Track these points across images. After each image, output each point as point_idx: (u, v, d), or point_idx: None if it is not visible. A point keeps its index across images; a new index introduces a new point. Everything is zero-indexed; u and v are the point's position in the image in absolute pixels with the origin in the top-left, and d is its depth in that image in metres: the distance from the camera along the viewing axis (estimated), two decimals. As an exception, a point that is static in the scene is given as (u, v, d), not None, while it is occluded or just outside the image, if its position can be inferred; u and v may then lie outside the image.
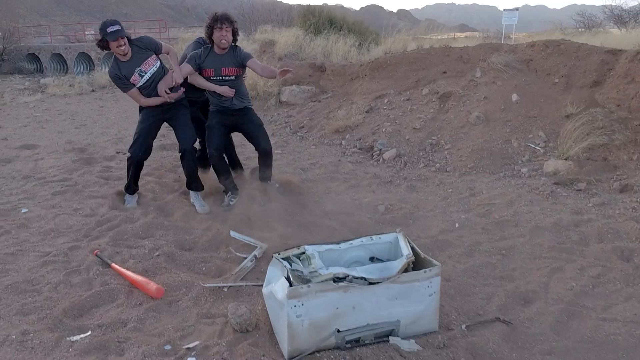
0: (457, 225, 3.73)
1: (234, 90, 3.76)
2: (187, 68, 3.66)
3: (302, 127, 6.86)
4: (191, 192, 4.11)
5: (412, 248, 2.50)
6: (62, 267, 3.00)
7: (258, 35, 13.76)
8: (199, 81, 3.75)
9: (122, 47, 3.50)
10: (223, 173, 4.09)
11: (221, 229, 3.61)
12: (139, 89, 3.71)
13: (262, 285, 2.75)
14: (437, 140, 5.45)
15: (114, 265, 2.95)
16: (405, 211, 4.01)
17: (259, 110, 7.97)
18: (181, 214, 3.91)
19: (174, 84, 3.65)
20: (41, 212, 3.93)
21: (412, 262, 2.42)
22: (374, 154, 5.56)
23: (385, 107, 6.42)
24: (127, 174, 4.03)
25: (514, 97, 5.53)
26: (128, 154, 3.95)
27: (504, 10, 17.51)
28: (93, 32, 28.25)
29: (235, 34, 3.68)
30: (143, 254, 3.17)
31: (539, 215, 3.74)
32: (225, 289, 2.75)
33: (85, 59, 19.15)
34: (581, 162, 4.44)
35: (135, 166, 3.96)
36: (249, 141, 4.17)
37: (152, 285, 2.65)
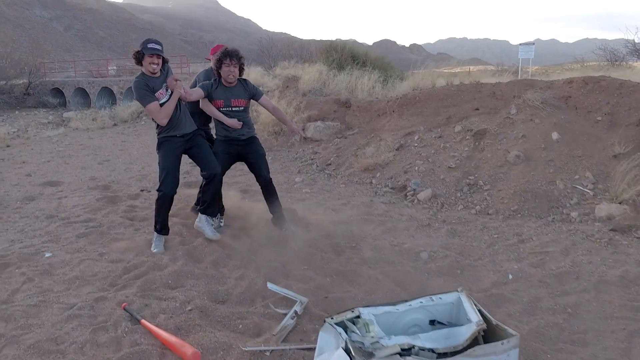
0: (510, 276, 3.42)
1: (242, 123, 3.89)
2: (198, 91, 3.78)
3: (329, 164, 6.67)
4: (201, 217, 3.99)
5: (480, 311, 2.22)
6: (88, 322, 2.76)
7: (278, 70, 13.90)
8: (210, 109, 3.85)
9: (154, 66, 3.52)
10: (218, 195, 4.12)
11: (255, 278, 3.36)
12: (160, 105, 3.61)
13: (308, 349, 2.48)
14: (474, 180, 5.20)
15: (144, 321, 2.71)
16: (451, 259, 3.72)
17: (283, 146, 7.85)
18: (211, 260, 3.69)
19: (185, 94, 3.66)
20: (65, 256, 3.73)
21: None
22: (407, 194, 5.32)
23: (415, 144, 6.22)
24: (157, 214, 3.85)
25: (555, 135, 5.28)
26: (160, 192, 3.77)
27: (520, 44, 17.55)
28: (115, 68, 29.10)
29: (241, 69, 3.82)
30: (174, 307, 2.93)
31: (601, 266, 3.42)
32: (268, 353, 2.47)
33: (107, 93, 19.54)
34: (637, 207, 4.13)
35: (167, 203, 3.82)
36: (250, 170, 4.24)
37: (188, 349, 2.39)
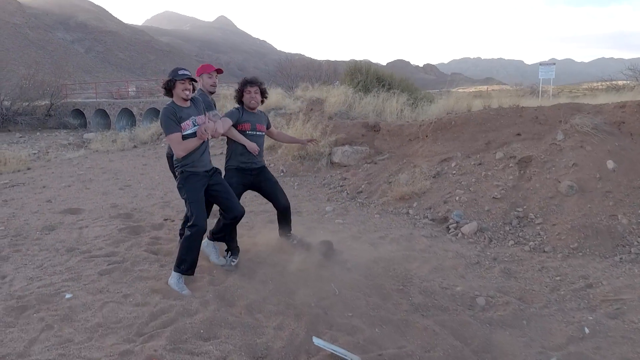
0: (586, 330, 2.99)
1: (259, 149, 4.01)
2: (228, 122, 3.86)
3: (361, 191, 6.33)
4: (210, 242, 3.96)
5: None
6: (114, 384, 2.42)
7: (299, 92, 13.73)
8: (233, 133, 3.94)
9: (187, 92, 3.47)
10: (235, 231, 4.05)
11: (296, 328, 3.00)
12: (182, 137, 3.52)
13: None
14: (524, 213, 4.79)
15: (176, 385, 2.36)
16: (513, 307, 3.31)
17: (309, 171, 7.55)
18: (245, 303, 3.34)
19: (214, 133, 3.61)
20: (87, 298, 3.42)
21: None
22: (450, 226, 4.93)
23: (454, 171, 5.85)
24: (187, 252, 3.53)
25: (610, 164, 4.87)
26: (194, 228, 3.49)
27: (540, 64, 17.17)
28: (135, 89, 29.48)
29: (263, 94, 4.03)
30: (210, 366, 2.58)
31: (692, 319, 2.98)
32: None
33: (127, 114, 19.65)
34: None
35: (200, 239, 3.59)
36: (267, 198, 4.30)
37: None
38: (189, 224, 3.55)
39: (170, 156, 4.05)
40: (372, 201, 5.99)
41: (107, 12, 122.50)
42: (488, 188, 5.29)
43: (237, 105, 4.06)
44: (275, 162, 8.41)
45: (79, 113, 21.39)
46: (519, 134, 5.94)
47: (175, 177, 3.87)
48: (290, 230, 4.34)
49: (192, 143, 3.47)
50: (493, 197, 5.10)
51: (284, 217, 4.27)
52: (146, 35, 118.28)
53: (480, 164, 5.78)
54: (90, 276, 3.81)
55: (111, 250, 4.45)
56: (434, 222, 5.14)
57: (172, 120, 3.43)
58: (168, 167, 4.33)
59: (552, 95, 17.30)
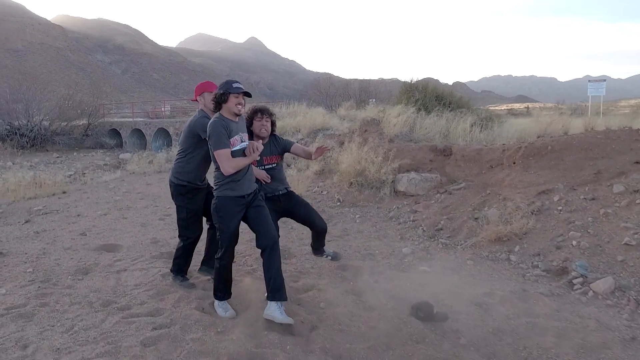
0: None
1: (270, 177, 3.90)
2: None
3: (440, 229, 5.34)
4: (271, 305, 3.22)
5: None
6: None
7: (342, 111, 12.94)
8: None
9: (239, 106, 3.27)
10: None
11: None
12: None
13: None
14: (676, 267, 3.71)
15: None
16: None
17: (370, 201, 6.62)
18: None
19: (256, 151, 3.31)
20: (128, 387, 2.57)
21: None
22: (573, 281, 3.88)
23: (559, 207, 4.81)
24: (219, 281, 3.44)
25: None
26: (221, 262, 3.35)
27: (590, 81, 15.88)
28: (169, 108, 29.56)
29: (273, 124, 3.89)
30: None
31: None
32: None
33: (163, 134, 19.35)
34: None
35: (229, 271, 3.45)
36: (302, 223, 4.16)
37: None
38: (217, 255, 3.36)
39: (175, 184, 3.81)
40: (458, 242, 5.00)
41: (143, 34, 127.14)
42: (614, 231, 4.23)
43: None
44: (328, 189, 7.54)
45: (115, 133, 21.29)
46: (638, 162, 4.87)
47: (178, 205, 3.88)
48: (324, 245, 4.41)
49: (243, 161, 3.24)
50: (625, 244, 4.03)
51: (318, 236, 4.24)
52: (179, 56, 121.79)
53: (593, 198, 4.73)
54: (131, 348, 2.97)
55: (155, 306, 3.62)
56: (548, 274, 4.10)
57: (224, 133, 3.18)
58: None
59: (603, 113, 15.95)
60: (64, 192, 9.55)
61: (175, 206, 4.02)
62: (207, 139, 3.26)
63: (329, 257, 4.44)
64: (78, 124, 20.83)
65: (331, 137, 9.64)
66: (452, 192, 6.07)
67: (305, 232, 5.49)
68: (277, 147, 3.96)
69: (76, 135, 20.48)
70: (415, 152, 6.94)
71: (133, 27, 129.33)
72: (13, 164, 14.87)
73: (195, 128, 3.59)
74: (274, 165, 3.97)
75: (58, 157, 17.29)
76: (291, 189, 4.14)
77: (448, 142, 7.20)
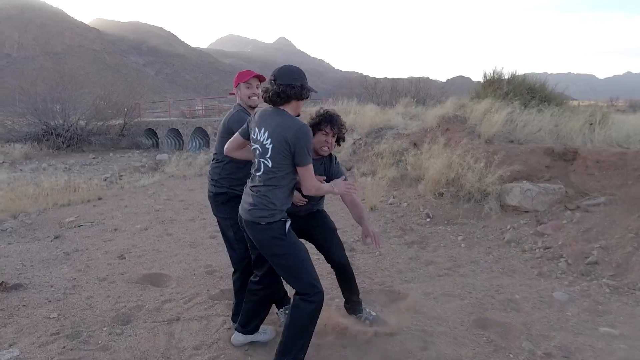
0: None
1: (307, 201, 2.94)
2: None
3: (594, 262, 3.93)
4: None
5: None
6: None
7: (400, 108, 11.59)
8: None
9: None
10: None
11: None
12: None
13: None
14: None
15: None
16: None
17: (470, 217, 5.25)
18: None
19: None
20: None
21: None
22: None
23: None
24: (303, 334, 2.42)
25: None
26: (315, 299, 2.40)
27: None
28: (202, 108, 28.92)
29: (339, 140, 2.99)
30: None
31: None
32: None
33: (200, 134, 18.47)
34: None
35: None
36: (319, 250, 3.08)
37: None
38: (303, 296, 2.42)
39: (219, 193, 3.07)
40: (634, 284, 3.57)
41: (176, 36, 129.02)
42: None
43: None
44: (409, 200, 6.21)
45: (151, 133, 20.59)
46: None
47: (224, 218, 3.10)
48: (359, 301, 3.16)
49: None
50: None
51: (342, 277, 3.11)
52: (211, 57, 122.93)
53: None
54: None
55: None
56: None
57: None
58: None
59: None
60: (100, 199, 8.60)
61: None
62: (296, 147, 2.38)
63: (367, 321, 3.08)
64: (114, 123, 20.24)
65: (398, 137, 8.30)
66: (590, 210, 4.63)
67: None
68: (330, 171, 2.99)
69: (112, 135, 19.88)
70: (525, 155, 5.52)
71: (166, 29, 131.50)
72: (48, 165, 14.21)
73: (231, 125, 2.89)
74: None
75: (94, 158, 16.63)
76: (321, 209, 3.17)
77: (562, 143, 5.74)
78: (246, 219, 2.47)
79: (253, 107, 3.01)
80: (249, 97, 3.01)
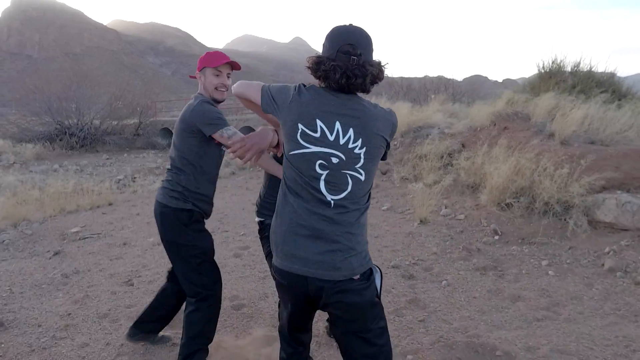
0: None
1: None
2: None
3: None
4: None
5: None
6: None
7: (436, 106, 10.63)
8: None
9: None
10: None
11: None
12: None
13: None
14: None
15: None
16: None
17: (551, 236, 4.28)
18: None
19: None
20: None
21: None
22: None
23: None
24: None
25: None
26: None
27: None
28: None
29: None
30: None
31: None
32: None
33: (217, 134, 17.70)
34: None
35: None
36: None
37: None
38: None
39: (182, 210, 2.38)
40: None
41: (192, 37, 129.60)
42: None
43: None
44: (467, 211, 5.26)
45: (167, 132, 19.93)
46: None
47: (185, 246, 2.37)
48: None
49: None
50: None
51: None
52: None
53: None
54: None
55: None
56: None
57: None
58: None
59: None
60: (110, 204, 7.84)
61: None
62: None
63: None
64: (129, 122, 19.64)
65: (443, 137, 7.33)
66: None
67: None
68: None
69: (127, 134, 19.28)
70: (617, 160, 4.52)
71: (183, 29, 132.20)
72: (60, 166, 13.58)
73: (194, 119, 2.30)
74: None
75: (108, 158, 15.99)
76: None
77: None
78: (330, 278, 1.51)
79: (219, 102, 2.43)
80: (216, 88, 2.39)
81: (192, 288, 2.39)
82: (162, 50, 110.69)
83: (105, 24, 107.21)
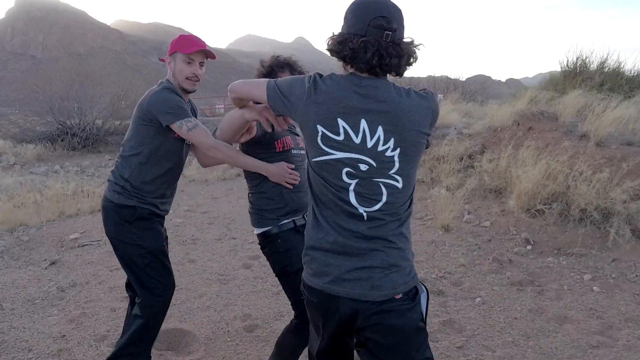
0: None
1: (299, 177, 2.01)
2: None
3: None
4: None
5: None
6: None
7: (449, 105, 10.27)
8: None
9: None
10: None
11: None
12: None
13: None
14: None
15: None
16: None
17: (591, 246, 3.93)
18: None
19: None
20: None
21: None
22: None
23: None
24: None
25: None
26: None
27: None
28: (222, 106, 28.11)
29: None
30: None
31: None
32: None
33: (221, 134, 17.42)
34: None
35: None
36: None
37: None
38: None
39: (123, 206, 2.14)
40: None
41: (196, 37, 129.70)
42: None
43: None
44: (495, 219, 4.89)
45: (170, 133, 19.66)
46: None
47: (130, 245, 2.12)
48: None
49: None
50: None
51: None
52: (229, 57, 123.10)
53: None
54: None
55: None
56: None
57: None
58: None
59: None
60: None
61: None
62: None
63: None
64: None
65: (461, 138, 6.97)
66: None
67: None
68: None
69: (129, 135, 18.98)
70: (660, 163, 4.15)
71: (186, 29, 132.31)
72: (61, 167, 13.29)
73: (151, 108, 2.07)
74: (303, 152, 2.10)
75: (110, 159, 15.69)
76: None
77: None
78: (367, 298, 1.26)
79: (188, 92, 2.21)
80: (186, 78, 2.15)
81: (139, 290, 2.15)
82: (165, 50, 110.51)
83: (108, 24, 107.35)
